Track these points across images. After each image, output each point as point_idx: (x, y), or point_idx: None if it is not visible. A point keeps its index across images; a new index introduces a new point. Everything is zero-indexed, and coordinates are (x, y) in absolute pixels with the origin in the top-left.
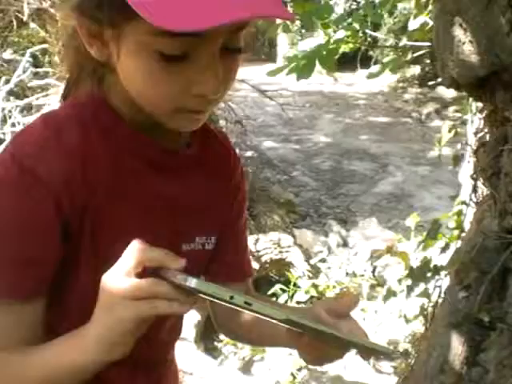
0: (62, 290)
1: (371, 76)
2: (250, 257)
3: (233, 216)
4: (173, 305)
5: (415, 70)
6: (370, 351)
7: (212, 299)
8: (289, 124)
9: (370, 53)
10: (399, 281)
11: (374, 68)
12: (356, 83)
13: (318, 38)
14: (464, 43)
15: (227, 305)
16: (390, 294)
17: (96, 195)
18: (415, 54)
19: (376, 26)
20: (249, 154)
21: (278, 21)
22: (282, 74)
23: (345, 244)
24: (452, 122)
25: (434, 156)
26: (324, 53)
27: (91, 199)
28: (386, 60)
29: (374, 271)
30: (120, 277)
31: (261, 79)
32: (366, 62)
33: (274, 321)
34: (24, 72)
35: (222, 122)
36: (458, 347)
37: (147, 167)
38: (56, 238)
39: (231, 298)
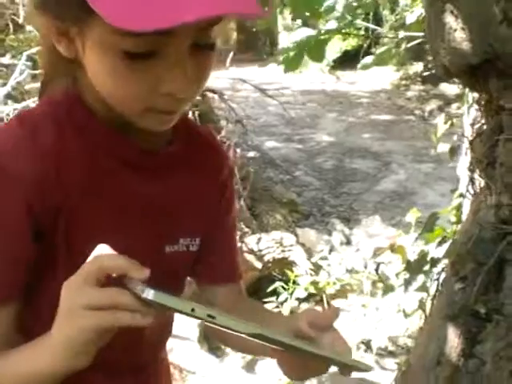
0: (36, 290)
1: (364, 67)
2: (252, 256)
3: (219, 215)
4: (135, 316)
5: (418, 67)
6: (348, 367)
7: (174, 311)
8: (291, 123)
9: (373, 50)
10: (397, 275)
11: (368, 59)
12: (358, 81)
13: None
14: (456, 30)
15: (190, 317)
16: (389, 288)
17: (70, 195)
18: (409, 44)
19: (378, 24)
20: (251, 154)
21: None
22: (280, 73)
23: (348, 242)
24: (454, 117)
25: (440, 151)
26: (313, 43)
27: (65, 199)
28: (378, 51)
29: (377, 269)
30: (80, 285)
31: (262, 79)
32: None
33: (242, 335)
34: (21, 74)
35: (222, 123)
36: (454, 339)
37: (123, 166)
38: (26, 239)
39: (192, 310)
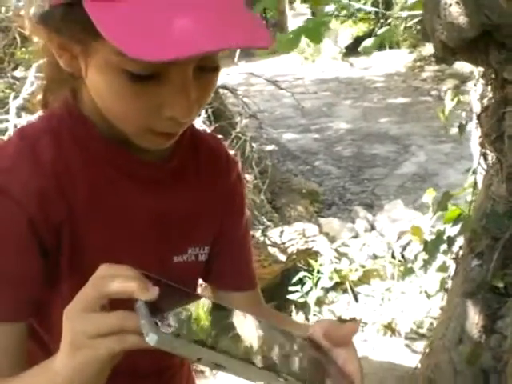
0: (47, 305)
1: (366, 49)
2: (276, 249)
3: (231, 223)
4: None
5: (431, 47)
6: None
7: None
8: (307, 114)
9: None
10: (415, 256)
11: (368, 41)
12: (372, 66)
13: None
14: (451, 5)
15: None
16: (408, 271)
17: (73, 209)
18: (409, 23)
19: (388, 8)
20: (269, 147)
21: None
22: (293, 64)
23: (372, 229)
24: (465, 94)
25: (456, 133)
26: (310, 26)
27: (68, 214)
28: (379, 32)
29: (402, 252)
30: (81, 313)
31: (275, 71)
32: (381, 44)
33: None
34: (31, 86)
35: (237, 118)
36: (474, 316)
37: (125, 179)
38: (33, 255)
39: (199, 360)
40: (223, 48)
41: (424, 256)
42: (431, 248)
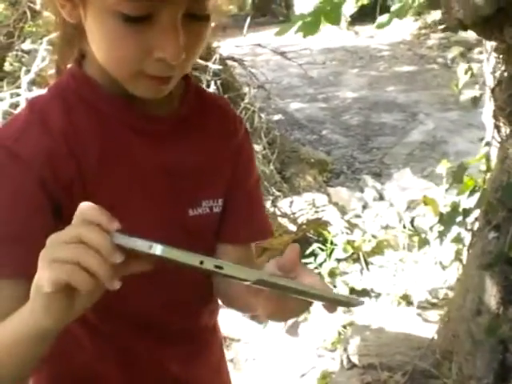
0: None
1: (380, 26)
2: (286, 219)
3: (240, 176)
4: (92, 280)
5: (436, 15)
6: (336, 302)
7: (182, 266)
8: (314, 83)
9: (390, 2)
10: (431, 228)
11: (383, 17)
12: (377, 35)
13: None
14: None
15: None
16: (423, 242)
17: (84, 168)
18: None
19: None
20: (276, 117)
21: None
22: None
23: (381, 198)
24: (476, 63)
25: (464, 100)
26: (328, 8)
27: (79, 172)
28: (393, 8)
29: (412, 221)
30: (54, 240)
31: (280, 41)
32: (386, 12)
33: (247, 283)
34: (42, 61)
35: (245, 89)
36: (492, 288)
37: (133, 134)
38: (45, 215)
39: (201, 263)
40: None
41: (439, 228)
42: (447, 220)
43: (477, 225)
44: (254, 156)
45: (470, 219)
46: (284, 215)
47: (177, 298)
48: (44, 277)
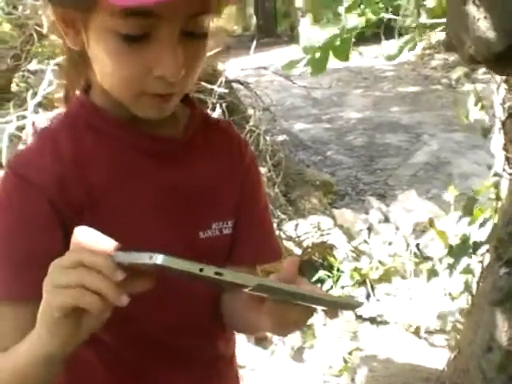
0: None
1: (390, 58)
2: (291, 242)
3: (248, 198)
4: (101, 301)
5: (440, 35)
6: (336, 305)
7: (181, 275)
8: (318, 104)
9: (393, 23)
10: (440, 260)
11: (391, 48)
12: (381, 55)
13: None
14: (479, 20)
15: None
16: (433, 273)
17: (93, 193)
18: (433, 32)
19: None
20: (280, 138)
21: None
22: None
23: (386, 219)
24: (482, 84)
25: (468, 121)
26: (338, 43)
27: (88, 198)
28: (403, 41)
29: (418, 246)
30: (56, 266)
31: (284, 62)
32: (390, 31)
33: (247, 289)
34: (49, 85)
35: (250, 111)
36: (503, 324)
37: (140, 156)
38: (57, 239)
39: (201, 270)
40: None
41: (448, 260)
42: (457, 252)
43: (487, 257)
44: (261, 178)
45: (480, 250)
46: (289, 238)
47: (190, 321)
48: (50, 303)
